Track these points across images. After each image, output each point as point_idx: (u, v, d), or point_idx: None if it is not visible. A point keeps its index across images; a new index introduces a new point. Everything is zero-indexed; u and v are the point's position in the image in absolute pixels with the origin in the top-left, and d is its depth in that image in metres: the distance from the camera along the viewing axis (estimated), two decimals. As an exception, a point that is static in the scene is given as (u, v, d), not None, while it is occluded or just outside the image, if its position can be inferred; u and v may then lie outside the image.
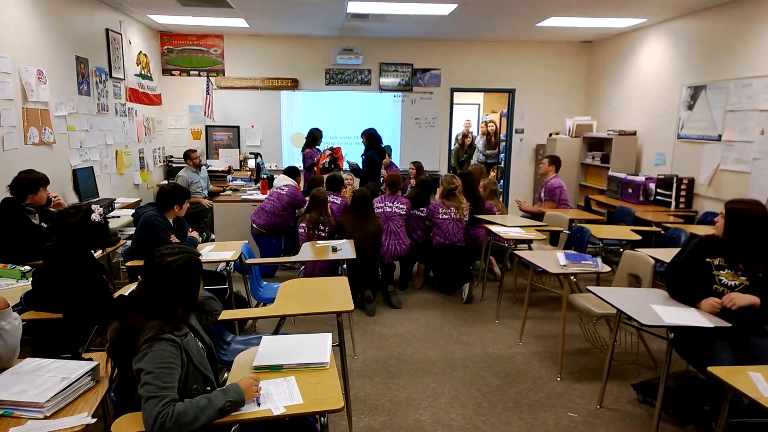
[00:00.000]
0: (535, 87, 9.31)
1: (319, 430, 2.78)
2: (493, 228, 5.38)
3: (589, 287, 3.55)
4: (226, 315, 3.04)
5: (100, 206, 3.31)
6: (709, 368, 2.39)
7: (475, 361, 4.33)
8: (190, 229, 4.64)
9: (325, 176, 6.53)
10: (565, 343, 4.42)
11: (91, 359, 2.35)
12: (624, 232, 5.39)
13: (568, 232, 5.58)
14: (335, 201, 6.04)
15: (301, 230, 5.60)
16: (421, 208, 6.12)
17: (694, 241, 3.36)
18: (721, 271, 3.14)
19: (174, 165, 8.64)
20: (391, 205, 5.87)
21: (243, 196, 7.16)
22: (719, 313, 3.01)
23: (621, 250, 5.64)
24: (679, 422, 3.37)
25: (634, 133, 7.71)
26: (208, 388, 2.17)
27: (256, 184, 7.88)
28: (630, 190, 7.04)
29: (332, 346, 3.24)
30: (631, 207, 6.47)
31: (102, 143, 6.67)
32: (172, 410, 1.87)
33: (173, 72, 8.95)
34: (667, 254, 4.27)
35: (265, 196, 6.58)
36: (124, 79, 7.35)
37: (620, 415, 3.54)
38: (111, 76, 6.93)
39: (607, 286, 4.39)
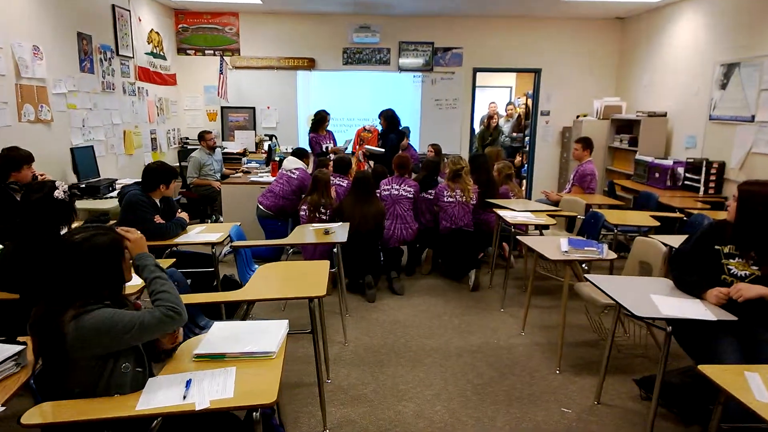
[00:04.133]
0: (563, 66, 8.88)
1: (278, 424, 2.60)
2: (501, 212, 5.09)
3: (587, 275, 3.26)
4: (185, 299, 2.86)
5: (65, 184, 3.17)
6: (700, 366, 2.10)
7: (471, 351, 4.08)
8: (180, 210, 4.50)
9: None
10: (571, 334, 4.18)
11: (25, 343, 2.20)
12: (641, 217, 5.03)
13: (582, 217, 5.25)
14: (341, 184, 5.82)
15: (302, 213, 5.42)
16: (430, 191, 5.86)
17: (704, 225, 3.03)
18: (731, 260, 2.81)
19: (189, 146, 8.55)
20: (398, 187, 5.63)
21: (252, 179, 7.00)
22: (726, 305, 2.69)
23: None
24: (684, 422, 3.07)
25: (665, 115, 7.26)
26: (139, 369, 2.00)
27: (268, 166, 7.72)
28: (657, 175, 6.63)
29: (304, 332, 3.10)
30: (655, 192, 6.07)
31: (108, 123, 6.58)
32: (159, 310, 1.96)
33: (188, 51, 8.84)
34: (680, 241, 3.94)
35: (275, 178, 6.41)
36: (133, 57, 7.25)
37: (618, 411, 3.26)
38: (118, 54, 6.83)
39: (616, 275, 4.11)
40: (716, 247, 2.86)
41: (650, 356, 3.92)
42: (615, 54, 8.82)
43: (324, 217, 5.32)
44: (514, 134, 10.16)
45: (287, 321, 2.46)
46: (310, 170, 6.23)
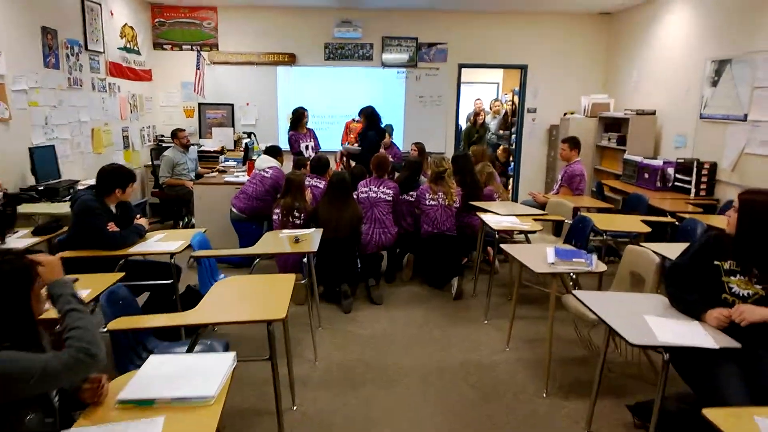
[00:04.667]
0: (550, 63, 8.62)
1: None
2: (485, 217, 4.82)
3: (575, 292, 2.99)
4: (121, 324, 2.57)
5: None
6: (704, 411, 1.83)
7: (452, 369, 3.81)
8: (138, 216, 4.19)
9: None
10: (559, 349, 3.93)
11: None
12: (632, 222, 4.78)
13: (570, 222, 5.00)
14: (318, 185, 5.53)
15: (275, 216, 5.13)
16: (411, 193, 5.58)
17: (701, 238, 2.77)
18: (732, 277, 2.55)
19: (165, 144, 8.21)
20: (376, 189, 5.34)
21: (226, 179, 6.69)
22: (728, 328, 2.44)
23: (630, 243, 5.05)
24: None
25: (654, 113, 7.02)
26: (49, 420, 1.71)
27: (244, 165, 7.41)
28: (646, 175, 6.38)
29: (261, 360, 2.81)
30: (645, 194, 5.83)
31: (74, 120, 6.25)
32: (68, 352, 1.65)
33: (165, 46, 8.50)
34: (676, 250, 3.67)
35: (248, 178, 6.11)
36: (104, 53, 6.91)
37: (610, 443, 3.00)
38: (87, 49, 6.49)
39: (606, 287, 3.85)
40: (716, 262, 2.60)
41: (644, 376, 3.66)
42: (603, 50, 8.57)
43: (298, 222, 5.03)
44: (501, 132, 9.91)
45: (233, 355, 2.17)
46: (288, 169, 5.95)
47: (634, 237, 4.91)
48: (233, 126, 8.72)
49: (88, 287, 3.05)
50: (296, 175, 5.14)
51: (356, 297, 5.08)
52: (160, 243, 3.99)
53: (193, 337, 2.79)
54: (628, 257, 3.70)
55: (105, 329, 2.65)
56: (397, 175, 6.09)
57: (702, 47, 6.15)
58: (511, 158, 9.52)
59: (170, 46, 8.50)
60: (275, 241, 4.13)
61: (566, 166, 6.08)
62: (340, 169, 6.47)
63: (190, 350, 2.80)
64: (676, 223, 4.89)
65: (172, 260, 3.83)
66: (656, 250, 3.59)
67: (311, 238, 4.14)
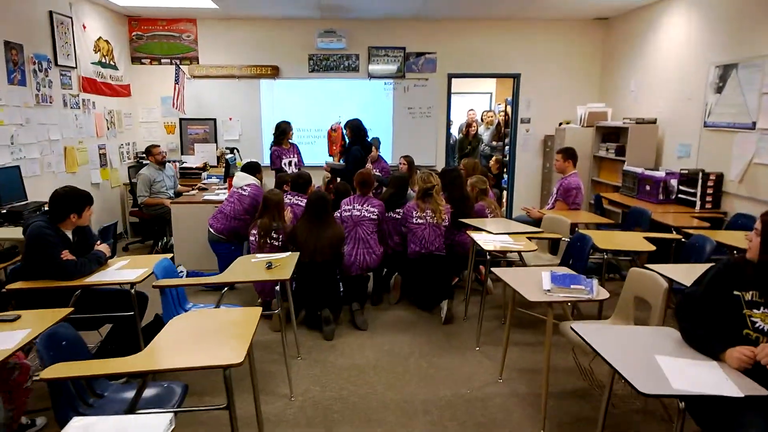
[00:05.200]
0: (543, 71, 8.32)
1: None
2: (476, 236, 4.49)
3: (573, 324, 2.64)
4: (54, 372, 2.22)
5: None
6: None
7: (439, 405, 3.46)
8: (99, 242, 3.85)
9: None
10: (557, 380, 3.61)
11: None
12: (635, 240, 4.44)
13: (567, 239, 4.66)
14: (299, 203, 5.19)
15: (251, 238, 4.79)
16: (398, 210, 5.25)
17: (717, 264, 2.43)
18: (755, 310, 2.22)
19: (145, 162, 7.85)
20: (360, 207, 5.01)
21: (206, 196, 6.36)
22: (752, 369, 2.10)
23: (632, 261, 4.72)
24: None
25: (654, 122, 6.70)
26: None
27: (225, 183, 7.09)
28: (648, 188, 6.06)
29: (217, 408, 2.48)
30: (647, 207, 5.50)
31: (44, 139, 5.93)
32: None
33: (143, 60, 8.19)
34: (685, 273, 3.36)
35: (225, 197, 5.78)
36: (76, 68, 6.59)
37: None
38: (57, 64, 6.17)
39: (607, 316, 3.51)
40: (735, 292, 2.27)
41: (652, 410, 3.31)
42: (599, 57, 8.28)
43: (276, 243, 4.70)
44: (494, 143, 9.60)
45: (170, 417, 1.82)
46: (269, 187, 5.63)
47: (636, 256, 4.59)
48: (216, 142, 8.40)
49: (28, 326, 2.72)
50: (274, 194, 4.81)
51: (339, 322, 4.74)
52: (122, 271, 3.64)
53: (139, 385, 2.43)
54: (632, 280, 3.37)
55: (38, 377, 2.32)
56: (383, 191, 5.75)
57: (705, 52, 5.85)
58: (504, 170, 9.20)
59: (149, 60, 8.18)
60: (245, 268, 3.78)
61: (562, 179, 5.76)
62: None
63: (137, 397, 2.45)
64: (682, 239, 4.56)
65: (132, 290, 3.48)
66: (663, 273, 3.26)
67: (286, 264, 3.80)
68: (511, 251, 4.32)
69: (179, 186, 7.28)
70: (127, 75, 8.01)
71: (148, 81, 8.22)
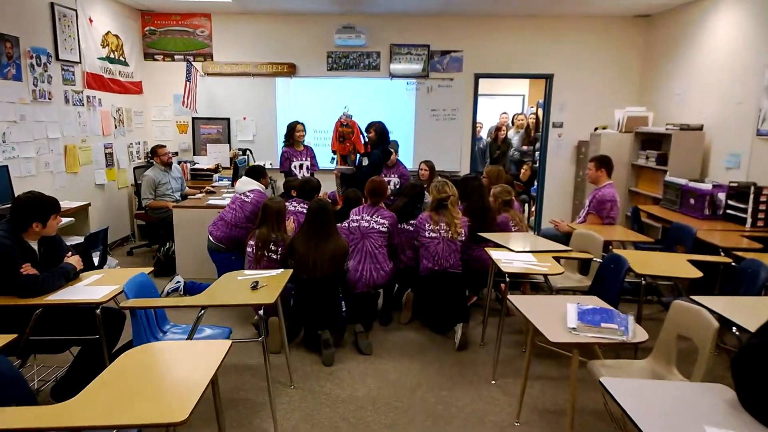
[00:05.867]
0: (578, 72, 7.74)
1: None
2: (494, 254, 3.98)
3: (603, 378, 2.13)
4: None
5: None
6: None
7: (445, 454, 2.97)
8: (70, 253, 3.46)
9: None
10: (582, 425, 3.08)
11: None
12: (678, 263, 3.88)
13: (599, 260, 4.12)
14: (304, 212, 4.74)
15: (249, 249, 4.38)
16: (411, 222, 4.77)
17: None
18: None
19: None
20: (369, 218, 4.55)
21: (210, 201, 5.99)
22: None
23: (674, 285, 4.16)
24: None
25: (700, 128, 6.09)
26: None
27: (233, 186, 6.69)
28: (692, 201, 5.46)
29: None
30: (691, 224, 4.92)
31: (42, 137, 5.62)
32: None
33: (156, 57, 7.88)
34: (740, 310, 2.82)
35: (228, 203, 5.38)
36: (80, 63, 6.28)
37: None
38: (58, 59, 5.87)
39: (641, 359, 2.98)
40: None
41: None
42: (639, 57, 7.66)
43: (275, 256, 4.28)
44: (524, 147, 9.02)
45: None
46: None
47: (679, 283, 4.03)
48: (229, 142, 8.04)
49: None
50: (274, 202, 4.38)
51: (343, 344, 4.30)
52: (90, 288, 3.25)
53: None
54: (675, 316, 2.83)
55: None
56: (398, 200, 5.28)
57: (760, 52, 5.24)
58: (534, 177, 8.64)
59: (162, 57, 7.87)
60: (228, 287, 3.34)
61: (595, 190, 5.21)
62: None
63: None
64: (732, 263, 3.98)
65: (98, 311, 3.08)
66: (714, 308, 2.73)
67: (274, 284, 3.36)
68: (534, 274, 3.80)
69: (187, 188, 6.93)
70: (138, 71, 7.70)
71: (161, 78, 7.91)
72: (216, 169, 7.75)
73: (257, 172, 5.34)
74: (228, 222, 5.08)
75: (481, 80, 7.87)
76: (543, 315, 2.82)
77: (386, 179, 6.41)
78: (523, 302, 3.03)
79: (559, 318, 2.77)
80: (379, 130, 6.32)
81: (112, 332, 3.32)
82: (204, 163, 7.86)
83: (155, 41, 7.84)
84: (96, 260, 4.53)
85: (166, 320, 3.51)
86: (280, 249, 4.27)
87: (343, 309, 4.29)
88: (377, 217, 4.55)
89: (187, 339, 3.07)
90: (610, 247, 4.55)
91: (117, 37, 7.12)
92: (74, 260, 3.41)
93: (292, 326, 4.33)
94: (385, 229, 4.51)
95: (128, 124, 7.43)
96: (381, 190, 4.70)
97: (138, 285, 3.26)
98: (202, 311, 3.05)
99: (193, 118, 7.98)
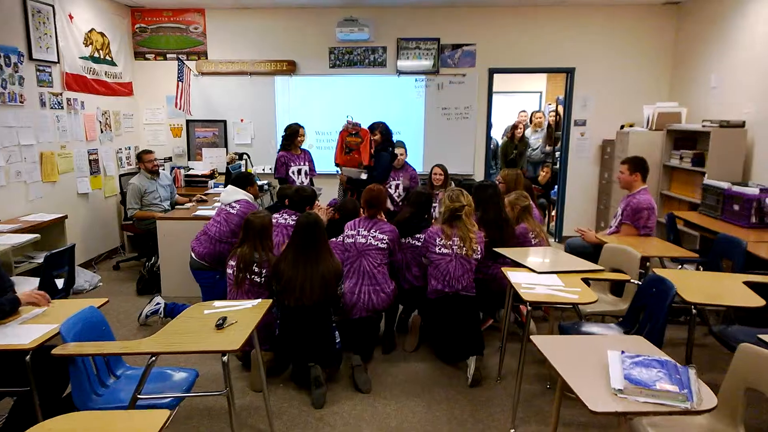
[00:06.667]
0: (602, 65, 7.10)
1: None
2: (513, 276, 3.38)
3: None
4: None
5: None
6: None
7: None
8: (12, 290, 2.92)
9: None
10: None
11: None
12: (732, 287, 3.24)
13: (637, 283, 3.50)
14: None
15: (229, 270, 3.82)
16: (417, 236, 4.19)
17: None
18: None
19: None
20: (366, 233, 3.97)
21: (198, 211, 5.46)
22: None
23: (725, 312, 3.52)
24: None
25: (742, 125, 5.43)
26: None
27: (225, 194, 6.16)
28: (736, 207, 4.82)
29: None
30: (735, 233, 4.28)
31: (13, 143, 5.12)
32: None
33: (147, 56, 7.37)
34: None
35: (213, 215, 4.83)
36: (59, 63, 5.78)
37: None
38: (32, 59, 5.37)
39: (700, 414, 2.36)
40: None
41: None
42: (669, 47, 6.99)
43: (258, 279, 3.72)
44: (548, 148, 8.36)
45: None
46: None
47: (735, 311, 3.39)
48: (226, 146, 7.50)
49: None
50: (258, 217, 3.81)
51: (337, 379, 3.73)
52: (22, 328, 2.69)
53: None
54: (743, 362, 2.25)
55: None
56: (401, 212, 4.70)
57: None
58: (547, 179, 8.02)
59: (153, 56, 7.36)
60: (188, 327, 2.76)
61: (628, 196, 4.58)
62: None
63: None
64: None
65: (27, 358, 2.53)
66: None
67: (246, 321, 2.78)
68: (562, 304, 3.20)
69: (178, 197, 6.39)
70: (128, 72, 7.20)
71: (153, 78, 7.40)
72: (212, 175, 7.24)
73: (244, 181, 4.78)
74: (211, 237, 4.54)
75: (495, 76, 7.25)
76: (577, 365, 2.22)
77: (394, 183, 5.87)
78: (550, 345, 2.42)
79: (598, 369, 2.17)
80: (384, 131, 5.80)
81: (55, 378, 2.78)
82: (199, 168, 7.37)
83: (146, 39, 7.33)
84: (60, 283, 4.02)
85: (120, 362, 2.95)
86: (264, 271, 3.71)
87: (337, 340, 3.71)
88: (375, 231, 3.97)
89: (134, 394, 2.50)
90: (648, 263, 3.92)
91: (102, 35, 6.61)
92: (27, 296, 2.87)
93: (278, 359, 3.76)
94: (384, 246, 3.92)
95: (116, 128, 6.93)
96: (379, 200, 4.11)
97: (82, 324, 2.70)
98: (153, 358, 2.49)
99: (188, 121, 7.46)
